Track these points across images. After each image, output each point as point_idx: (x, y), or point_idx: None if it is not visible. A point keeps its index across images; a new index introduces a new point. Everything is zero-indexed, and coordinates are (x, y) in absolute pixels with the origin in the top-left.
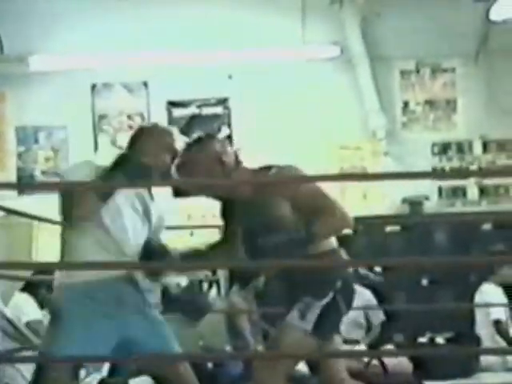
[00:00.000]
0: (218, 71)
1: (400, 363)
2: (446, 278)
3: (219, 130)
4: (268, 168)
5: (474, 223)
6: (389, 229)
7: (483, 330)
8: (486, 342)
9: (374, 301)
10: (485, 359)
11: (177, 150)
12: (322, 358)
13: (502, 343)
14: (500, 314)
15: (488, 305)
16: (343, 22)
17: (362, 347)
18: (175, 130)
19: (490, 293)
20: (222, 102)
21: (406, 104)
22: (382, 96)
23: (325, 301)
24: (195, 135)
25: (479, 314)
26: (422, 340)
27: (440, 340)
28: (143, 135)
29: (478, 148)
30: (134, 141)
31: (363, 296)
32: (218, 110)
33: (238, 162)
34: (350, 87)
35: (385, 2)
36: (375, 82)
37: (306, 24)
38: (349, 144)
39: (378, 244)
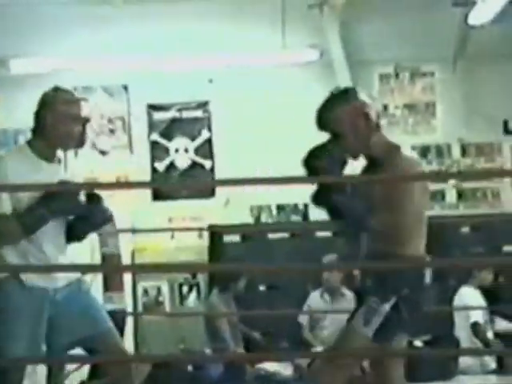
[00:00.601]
0: (198, 75)
1: None
2: None
3: (199, 133)
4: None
5: (453, 226)
6: None
7: (462, 333)
8: (465, 345)
9: None
10: (463, 362)
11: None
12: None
13: (480, 346)
14: (478, 316)
15: (467, 308)
16: (322, 26)
17: None
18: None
19: (468, 296)
20: (203, 105)
21: (385, 108)
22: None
23: (387, 306)
24: (337, 88)
25: (458, 317)
26: None
27: (418, 343)
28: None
29: (456, 152)
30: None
31: (352, 302)
32: (199, 113)
33: (378, 123)
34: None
35: (364, 7)
36: (354, 85)
37: (286, 28)
38: None
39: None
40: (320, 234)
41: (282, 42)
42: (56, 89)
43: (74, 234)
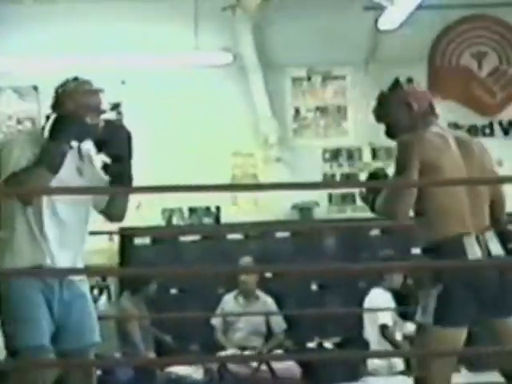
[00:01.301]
0: (110, 76)
1: (289, 368)
2: (335, 283)
3: None
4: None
5: (364, 229)
6: (279, 234)
7: (371, 335)
8: (374, 346)
9: (275, 308)
10: (372, 363)
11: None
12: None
13: (390, 348)
14: (387, 318)
15: (376, 309)
16: (236, 28)
17: None
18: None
19: (378, 298)
20: (115, 107)
21: (297, 111)
22: (274, 103)
23: (435, 291)
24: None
25: (368, 319)
26: (311, 345)
27: (328, 345)
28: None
29: (367, 155)
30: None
31: (266, 305)
32: (111, 115)
33: (432, 109)
34: (242, 94)
35: (277, 10)
36: (267, 88)
37: (199, 30)
38: (241, 150)
39: (269, 249)
40: (232, 236)
41: (195, 44)
42: (76, 78)
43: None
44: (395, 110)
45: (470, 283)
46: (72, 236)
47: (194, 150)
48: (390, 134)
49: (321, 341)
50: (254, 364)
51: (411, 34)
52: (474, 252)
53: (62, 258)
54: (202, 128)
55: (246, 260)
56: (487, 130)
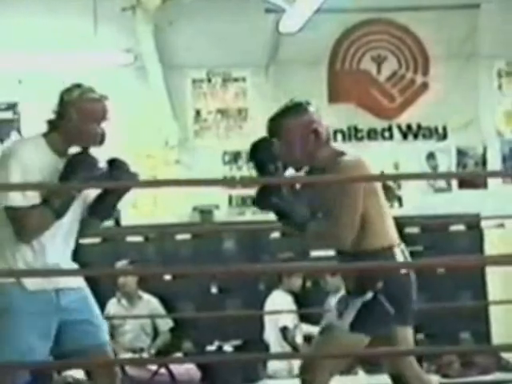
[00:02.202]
0: (7, 75)
1: (188, 371)
2: (234, 286)
3: (8, 135)
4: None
5: (264, 231)
6: (179, 237)
7: (272, 337)
8: (275, 349)
9: (160, 309)
10: (272, 366)
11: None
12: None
13: (289, 350)
14: (287, 321)
15: (276, 312)
16: (136, 29)
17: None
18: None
19: (278, 300)
20: (12, 106)
21: (198, 112)
22: (175, 104)
23: (361, 299)
24: (289, 101)
25: (268, 321)
26: (211, 348)
27: (228, 348)
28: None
29: None
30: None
31: (150, 304)
32: (8, 114)
33: (328, 138)
34: (143, 95)
35: (177, 11)
36: (168, 89)
37: (98, 30)
38: (141, 152)
39: (169, 252)
40: (131, 238)
41: (95, 43)
42: (79, 85)
43: (101, 210)
44: (302, 135)
45: (394, 296)
46: (67, 236)
47: (92, 151)
48: (287, 154)
49: (220, 344)
50: (153, 367)
51: (311, 37)
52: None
53: (55, 257)
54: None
55: (122, 263)
56: (386, 134)
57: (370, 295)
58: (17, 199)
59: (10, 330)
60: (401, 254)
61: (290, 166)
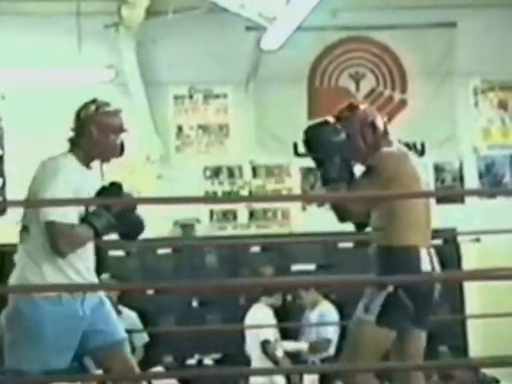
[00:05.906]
0: None
1: None
2: (215, 299)
3: None
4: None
5: (244, 246)
6: (160, 251)
7: (253, 351)
8: (256, 363)
9: (138, 323)
10: (253, 380)
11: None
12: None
13: (271, 364)
14: (268, 334)
15: (257, 326)
16: (118, 46)
17: None
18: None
19: (259, 314)
20: None
21: (179, 128)
22: (157, 120)
23: (384, 293)
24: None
25: (249, 335)
26: (191, 361)
27: (209, 361)
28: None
29: (247, 173)
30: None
31: (128, 319)
32: None
33: (386, 132)
34: (125, 111)
35: (160, 28)
36: (150, 105)
37: (82, 46)
38: (123, 167)
39: (150, 266)
40: (113, 253)
41: (78, 60)
42: (94, 101)
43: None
44: (360, 131)
45: (415, 294)
46: (90, 249)
47: None
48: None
49: (201, 357)
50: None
51: (292, 54)
52: (426, 265)
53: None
54: None
55: (103, 277)
56: None
57: (391, 288)
58: (63, 215)
59: (39, 344)
60: (426, 255)
61: (356, 160)
